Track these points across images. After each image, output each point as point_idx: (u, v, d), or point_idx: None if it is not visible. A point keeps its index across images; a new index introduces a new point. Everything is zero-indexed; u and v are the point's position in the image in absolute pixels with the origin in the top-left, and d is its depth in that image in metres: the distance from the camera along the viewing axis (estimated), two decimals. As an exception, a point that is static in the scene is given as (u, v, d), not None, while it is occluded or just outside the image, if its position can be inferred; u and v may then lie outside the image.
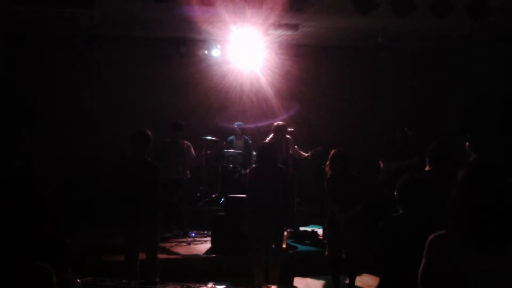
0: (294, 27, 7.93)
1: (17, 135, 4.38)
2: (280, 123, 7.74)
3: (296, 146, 7.89)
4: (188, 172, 7.97)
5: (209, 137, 8.75)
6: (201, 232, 7.66)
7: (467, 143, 6.39)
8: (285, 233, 5.66)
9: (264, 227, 5.38)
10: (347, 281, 5.70)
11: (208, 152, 8.35)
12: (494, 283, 2.12)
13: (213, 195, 8.77)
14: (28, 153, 4.52)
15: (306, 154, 7.96)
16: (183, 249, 7.00)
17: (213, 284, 4.61)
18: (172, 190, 7.59)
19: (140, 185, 5.26)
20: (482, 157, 5.97)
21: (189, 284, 4.50)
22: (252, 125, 9.37)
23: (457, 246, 2.15)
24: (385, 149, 7.76)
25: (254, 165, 5.73)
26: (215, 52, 9.12)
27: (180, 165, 7.67)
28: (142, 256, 5.52)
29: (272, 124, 7.88)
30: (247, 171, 6.08)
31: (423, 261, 2.23)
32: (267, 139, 7.58)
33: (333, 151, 5.68)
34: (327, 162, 5.70)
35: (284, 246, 5.59)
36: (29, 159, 4.42)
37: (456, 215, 2.19)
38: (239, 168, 8.54)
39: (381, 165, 7.68)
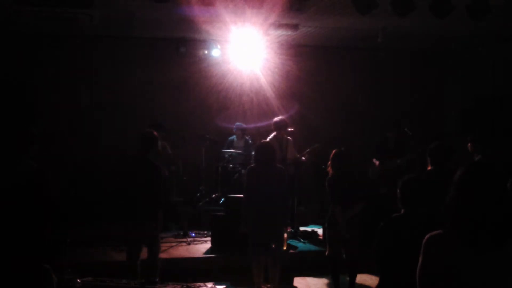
0: (294, 27, 7.93)
1: (29, 135, 4.36)
2: (279, 118, 7.68)
3: (295, 151, 7.83)
4: (166, 171, 7.94)
5: (209, 137, 8.77)
6: (201, 232, 7.66)
7: (469, 144, 6.38)
8: (285, 234, 5.64)
9: (263, 227, 5.38)
10: (347, 281, 5.70)
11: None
12: (491, 282, 2.12)
13: (213, 195, 8.76)
14: (38, 153, 4.51)
15: (300, 156, 7.87)
16: (183, 249, 7.00)
17: (213, 284, 4.63)
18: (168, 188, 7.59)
19: (143, 185, 5.26)
20: (486, 157, 5.96)
21: (189, 284, 4.52)
22: (252, 125, 9.37)
23: (453, 245, 2.15)
24: (377, 149, 7.74)
25: (252, 165, 5.70)
26: (215, 52, 9.11)
27: (163, 161, 7.69)
28: (143, 256, 5.51)
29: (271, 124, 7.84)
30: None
31: (420, 260, 2.24)
32: (269, 138, 7.55)
33: (334, 151, 5.67)
34: (329, 162, 5.69)
35: (284, 248, 5.58)
36: (39, 160, 4.41)
37: (453, 215, 2.20)
38: (239, 168, 8.53)
39: (376, 163, 7.65)
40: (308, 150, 7.82)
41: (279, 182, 5.44)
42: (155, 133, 5.57)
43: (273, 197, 5.36)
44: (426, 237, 2.24)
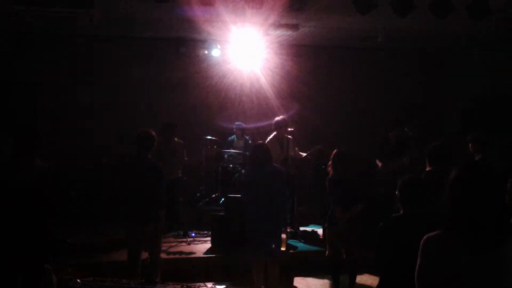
0: (294, 27, 7.93)
1: (38, 135, 4.36)
2: (280, 117, 7.67)
3: (296, 148, 7.85)
4: (180, 171, 7.96)
5: (209, 137, 8.76)
6: (201, 232, 7.66)
7: (470, 144, 6.38)
8: (284, 235, 5.64)
9: (262, 227, 5.37)
10: (347, 281, 5.70)
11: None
12: (490, 282, 2.12)
13: (213, 195, 8.77)
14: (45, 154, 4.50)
15: (305, 154, 7.90)
16: (183, 249, 6.99)
17: (213, 284, 4.62)
18: (174, 190, 7.58)
19: (144, 185, 5.25)
20: (487, 158, 5.96)
21: (189, 284, 4.51)
22: (252, 125, 9.37)
23: (452, 245, 2.16)
24: (379, 150, 7.74)
25: (248, 167, 5.69)
26: (215, 52, 9.12)
27: (175, 165, 7.69)
28: (143, 255, 5.51)
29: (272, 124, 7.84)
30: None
31: (418, 261, 2.24)
32: (269, 138, 7.55)
33: (334, 151, 5.67)
34: (329, 162, 5.69)
35: (283, 248, 5.58)
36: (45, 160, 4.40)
37: (451, 215, 2.20)
38: (239, 168, 8.53)
39: (379, 164, 7.66)
40: (309, 152, 7.82)
41: (276, 182, 5.42)
42: (152, 132, 5.53)
43: (271, 197, 5.35)
44: (424, 238, 2.24)
